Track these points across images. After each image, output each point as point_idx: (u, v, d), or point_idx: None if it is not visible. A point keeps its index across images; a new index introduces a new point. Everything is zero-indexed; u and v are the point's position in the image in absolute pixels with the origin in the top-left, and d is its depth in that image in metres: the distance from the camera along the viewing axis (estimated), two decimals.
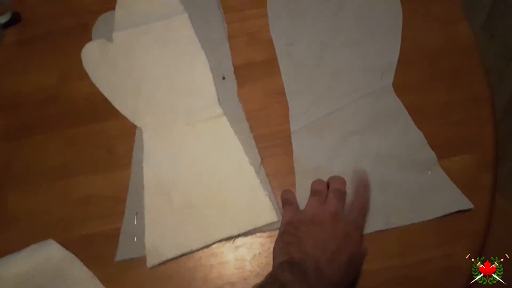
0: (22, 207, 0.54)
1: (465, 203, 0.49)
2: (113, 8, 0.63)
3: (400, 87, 0.56)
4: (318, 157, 0.53)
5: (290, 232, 0.45)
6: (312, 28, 0.60)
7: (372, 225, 0.49)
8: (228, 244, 0.50)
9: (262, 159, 0.53)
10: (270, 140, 0.55)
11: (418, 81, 0.56)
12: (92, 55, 0.60)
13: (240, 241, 0.50)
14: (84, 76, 0.59)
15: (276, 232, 0.50)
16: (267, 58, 0.59)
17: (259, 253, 0.50)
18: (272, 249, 0.49)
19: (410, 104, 0.55)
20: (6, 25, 0.64)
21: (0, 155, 0.57)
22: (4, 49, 0.64)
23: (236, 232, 0.50)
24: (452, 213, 0.49)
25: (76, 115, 0.58)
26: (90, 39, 0.61)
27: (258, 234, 0.50)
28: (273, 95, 0.57)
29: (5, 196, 0.55)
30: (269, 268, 0.48)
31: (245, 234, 0.50)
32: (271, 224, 0.50)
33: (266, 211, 0.50)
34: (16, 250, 0.50)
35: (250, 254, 0.50)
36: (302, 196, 0.51)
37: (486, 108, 0.55)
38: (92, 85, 0.59)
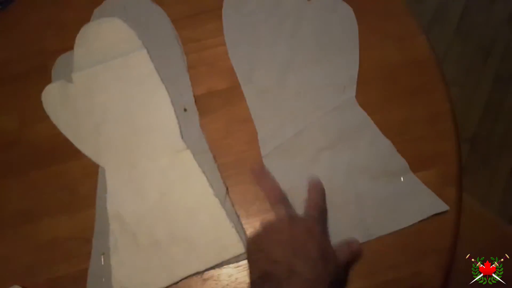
0: None
1: (440, 206, 0.49)
2: (72, 47, 0.62)
3: (361, 106, 0.56)
4: (291, 178, 0.53)
5: (253, 250, 0.44)
6: (270, 52, 0.60)
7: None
8: (195, 279, 0.50)
9: (227, 188, 0.53)
10: (235, 168, 0.55)
11: (378, 100, 0.57)
12: (52, 98, 0.59)
13: (207, 274, 0.50)
14: (46, 117, 0.59)
15: (243, 262, 0.50)
16: (228, 87, 0.59)
17: (227, 284, 0.49)
18: (241, 279, 0.49)
19: None
20: None
21: None
22: None
23: (203, 268, 0.50)
24: (419, 229, 0.49)
25: (38, 158, 0.57)
26: (50, 81, 0.61)
27: (225, 265, 0.50)
28: (235, 123, 0.57)
29: None
30: None
31: (212, 266, 0.50)
32: (238, 256, 0.50)
33: (233, 243, 0.50)
34: None
35: (219, 286, 0.49)
36: None
37: (448, 122, 0.55)
38: (54, 126, 0.58)
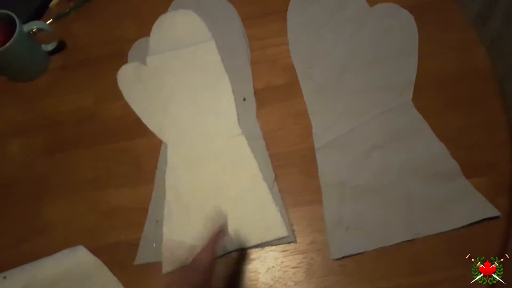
0: (56, 215, 0.59)
1: (491, 211, 0.49)
2: (147, 36, 0.69)
3: (417, 110, 0.57)
4: (342, 172, 0.54)
5: None
6: (331, 51, 0.63)
7: (398, 236, 0.50)
8: (243, 257, 0.52)
9: (276, 176, 0.56)
10: (286, 159, 0.57)
11: (434, 105, 0.57)
12: (127, 76, 0.66)
13: (254, 254, 0.52)
14: (118, 98, 0.65)
15: (289, 247, 0.52)
16: (286, 83, 0.62)
17: (273, 266, 0.51)
18: (286, 263, 0.51)
19: None
20: (52, 52, 0.71)
21: (39, 168, 0.63)
22: (49, 74, 0.71)
23: (247, 245, 0.52)
24: (468, 234, 0.49)
25: (109, 133, 0.63)
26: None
27: (272, 248, 0.52)
28: (290, 117, 0.60)
29: (41, 205, 0.60)
30: (282, 281, 0.50)
31: (257, 247, 0.52)
32: (280, 238, 0.52)
33: (277, 226, 0.52)
34: (49, 255, 0.54)
35: (264, 267, 0.51)
36: (329, 210, 0.53)
37: (502, 132, 0.55)
38: (124, 106, 0.64)
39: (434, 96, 0.58)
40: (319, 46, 0.64)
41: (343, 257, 0.50)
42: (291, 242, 0.52)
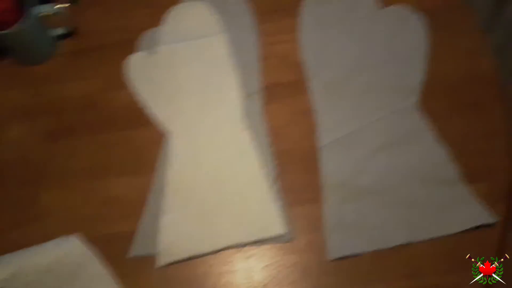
0: (53, 202, 0.58)
1: (487, 218, 0.49)
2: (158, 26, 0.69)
3: (422, 114, 0.57)
4: (345, 172, 0.54)
5: None
6: (340, 50, 0.63)
7: (396, 238, 0.50)
8: (239, 255, 0.52)
9: (278, 174, 0.55)
10: (289, 157, 0.57)
11: (438, 110, 0.57)
12: (135, 65, 0.65)
13: (251, 251, 0.52)
14: (124, 86, 0.64)
15: (286, 245, 0.51)
16: (294, 80, 0.62)
17: (270, 263, 0.51)
18: (281, 262, 0.50)
19: None
20: (63, 36, 0.70)
21: (39, 153, 0.62)
22: (57, 58, 0.70)
23: (244, 240, 0.52)
24: (464, 240, 0.49)
25: (112, 122, 0.63)
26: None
27: (269, 246, 0.52)
28: (296, 114, 0.60)
29: (39, 191, 0.59)
30: (277, 281, 0.50)
31: (254, 243, 0.52)
32: (278, 237, 0.51)
33: (275, 224, 0.52)
34: (42, 242, 0.53)
35: (260, 265, 0.51)
36: (328, 209, 0.52)
37: (502, 140, 0.55)
38: (129, 95, 0.64)
39: (441, 100, 0.58)
40: (329, 44, 0.64)
41: (340, 258, 0.50)
42: (289, 241, 0.51)
